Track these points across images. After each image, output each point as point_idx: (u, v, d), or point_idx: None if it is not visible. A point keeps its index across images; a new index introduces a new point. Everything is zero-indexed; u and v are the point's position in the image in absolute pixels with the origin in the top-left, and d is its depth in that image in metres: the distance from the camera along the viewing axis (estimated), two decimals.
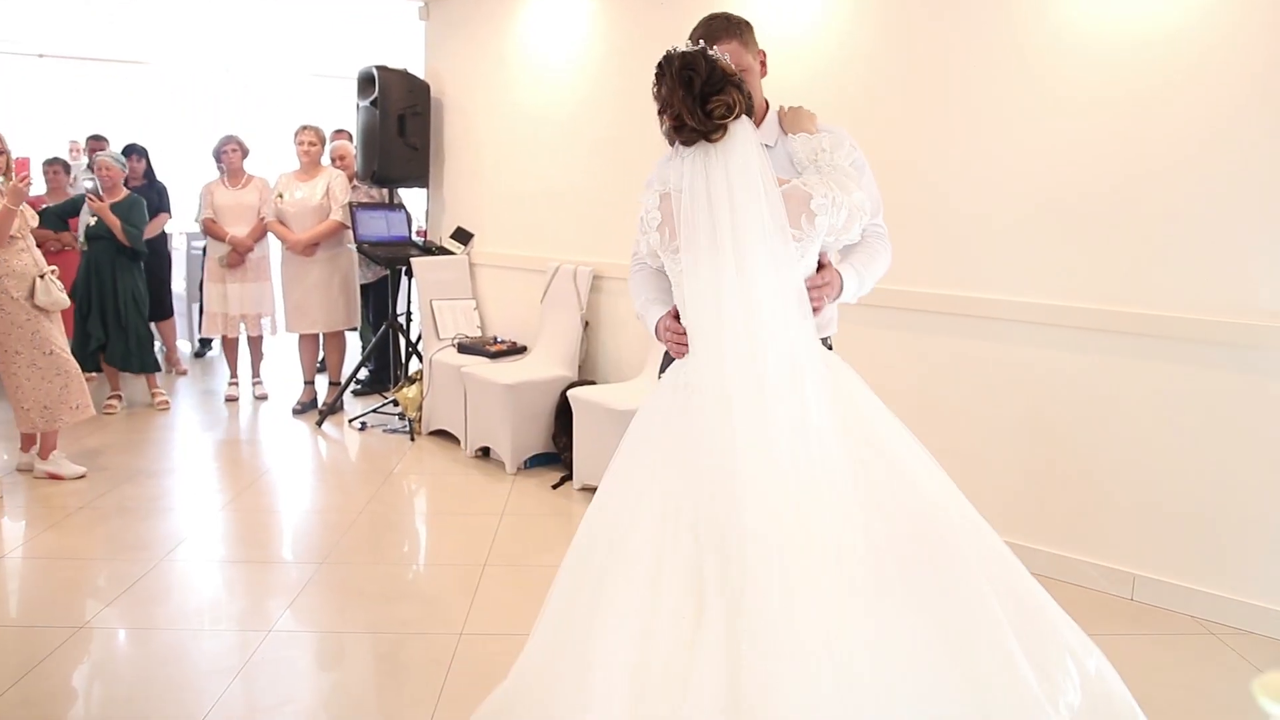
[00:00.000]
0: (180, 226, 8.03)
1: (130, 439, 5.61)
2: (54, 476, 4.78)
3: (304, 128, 6.30)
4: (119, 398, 6.27)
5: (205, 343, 8.32)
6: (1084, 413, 3.66)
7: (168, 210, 7.22)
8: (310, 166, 6.28)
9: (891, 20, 4.03)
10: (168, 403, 6.35)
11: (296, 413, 6.28)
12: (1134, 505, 3.58)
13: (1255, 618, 3.34)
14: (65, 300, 4.77)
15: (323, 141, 6.37)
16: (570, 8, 5.41)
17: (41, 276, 4.67)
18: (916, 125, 3.97)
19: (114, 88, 9.21)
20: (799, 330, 2.03)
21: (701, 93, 1.96)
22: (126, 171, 6.32)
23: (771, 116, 2.48)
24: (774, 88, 2.52)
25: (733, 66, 2.03)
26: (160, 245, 7.25)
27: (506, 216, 5.97)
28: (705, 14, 2.41)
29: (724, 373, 1.99)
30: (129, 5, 7.53)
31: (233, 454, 5.45)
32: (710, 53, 2.01)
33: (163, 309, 7.28)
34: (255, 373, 6.77)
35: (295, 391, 6.58)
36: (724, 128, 1.98)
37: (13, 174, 4.52)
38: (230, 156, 6.49)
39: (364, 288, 6.80)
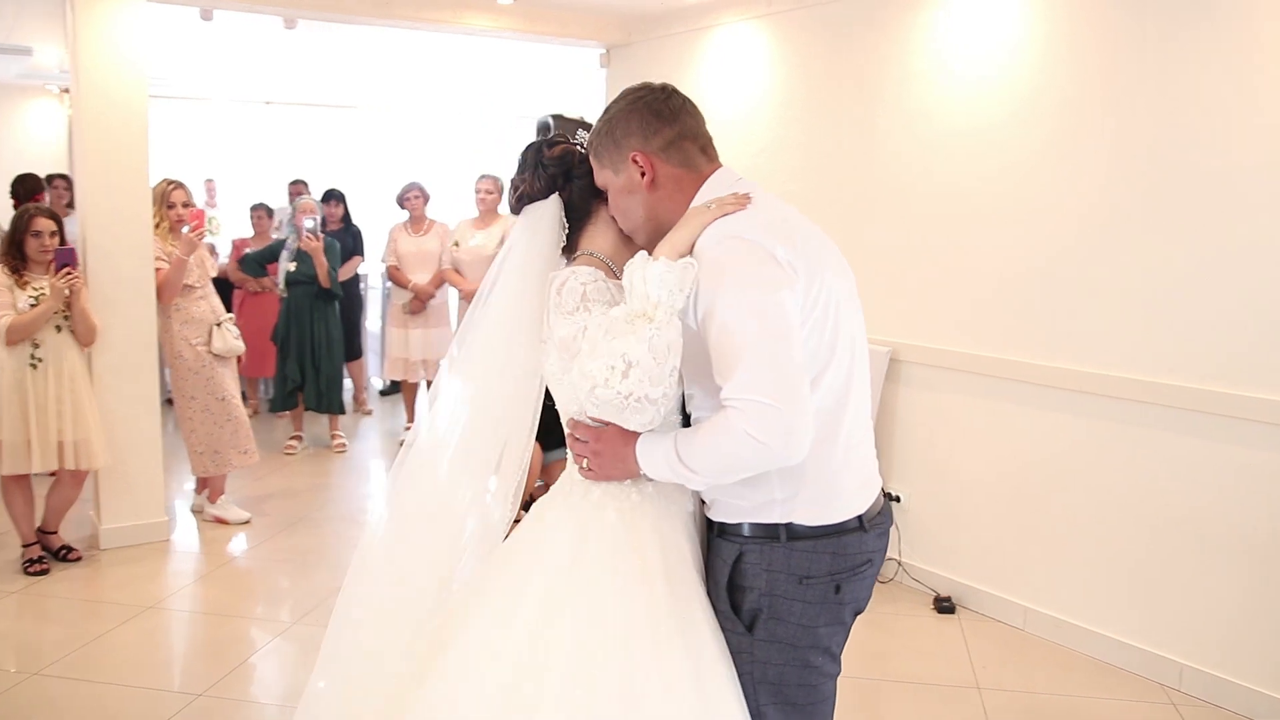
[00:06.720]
0: (374, 268, 8.23)
1: (302, 483, 5.69)
2: (220, 521, 4.86)
3: (483, 176, 6.29)
4: (300, 439, 6.40)
5: (396, 381, 8.48)
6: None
7: (361, 253, 7.39)
8: (488, 214, 6.25)
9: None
10: (345, 445, 6.43)
11: None
12: None
13: None
14: (240, 346, 4.87)
15: (500, 190, 6.33)
16: (748, 56, 5.09)
17: (218, 324, 4.78)
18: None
19: (318, 132, 9.63)
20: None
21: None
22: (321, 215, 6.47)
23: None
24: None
25: (573, 150, 1.93)
26: (353, 287, 7.42)
27: None
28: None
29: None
30: (341, 52, 7.81)
31: None
32: (555, 141, 1.94)
33: (353, 350, 7.44)
34: None
35: None
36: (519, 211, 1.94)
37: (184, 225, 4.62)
38: (413, 203, 6.57)
39: None
